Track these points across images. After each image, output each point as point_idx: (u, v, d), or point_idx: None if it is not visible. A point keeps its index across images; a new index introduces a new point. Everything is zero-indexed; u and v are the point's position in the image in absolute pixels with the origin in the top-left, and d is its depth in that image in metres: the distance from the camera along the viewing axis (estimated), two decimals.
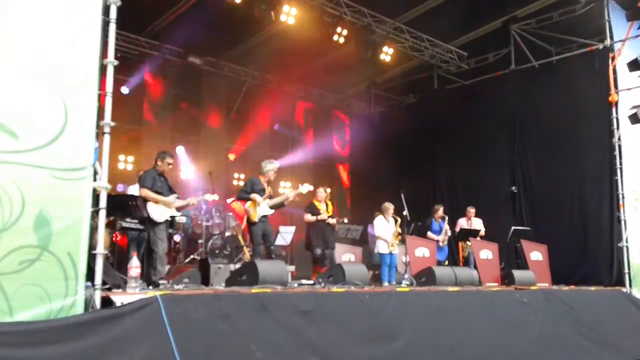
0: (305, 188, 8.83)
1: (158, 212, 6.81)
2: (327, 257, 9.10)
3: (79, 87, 4.55)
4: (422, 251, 9.43)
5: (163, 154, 7.17)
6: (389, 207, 9.76)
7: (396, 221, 9.61)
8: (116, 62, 4.92)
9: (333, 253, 9.70)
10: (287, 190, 14.17)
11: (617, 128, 10.30)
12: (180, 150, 13.25)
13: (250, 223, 8.16)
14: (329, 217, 9.23)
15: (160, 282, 6.57)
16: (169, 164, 7.13)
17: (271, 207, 8.32)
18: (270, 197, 8.39)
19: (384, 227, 9.63)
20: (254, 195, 8.11)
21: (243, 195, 8.25)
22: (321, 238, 9.13)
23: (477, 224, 11.06)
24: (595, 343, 7.98)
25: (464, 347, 6.54)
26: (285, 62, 13.28)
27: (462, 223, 11.11)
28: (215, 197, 8.12)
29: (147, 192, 6.81)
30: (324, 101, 16.52)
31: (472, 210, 11.15)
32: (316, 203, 9.28)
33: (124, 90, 12.20)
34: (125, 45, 12.21)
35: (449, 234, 10.77)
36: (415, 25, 12.58)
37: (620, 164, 10.19)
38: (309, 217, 9.18)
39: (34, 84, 4.34)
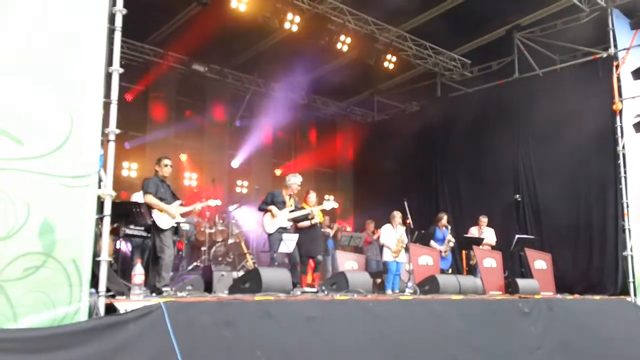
0: (329, 205, 8.96)
1: (164, 218, 6.81)
2: (319, 262, 9.01)
3: (84, 95, 4.55)
4: (426, 259, 9.38)
5: (159, 159, 7.20)
6: (396, 215, 9.79)
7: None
8: (121, 70, 4.93)
9: (329, 260, 9.66)
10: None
11: (621, 136, 10.31)
12: (183, 157, 13.27)
13: (268, 233, 8.32)
14: (318, 221, 9.11)
15: (164, 289, 6.57)
16: (166, 165, 7.12)
17: (291, 220, 8.43)
18: (296, 209, 8.50)
19: (390, 235, 9.64)
20: (271, 207, 8.32)
21: (262, 206, 8.49)
22: (313, 244, 8.90)
23: (489, 233, 10.95)
24: (599, 353, 7.94)
25: (466, 355, 6.52)
26: (289, 70, 13.31)
27: (473, 232, 11.06)
28: (218, 202, 8.18)
29: (151, 199, 6.81)
30: (327, 109, 16.54)
31: (484, 220, 11.05)
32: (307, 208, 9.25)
33: (128, 97, 12.21)
34: (130, 52, 12.26)
35: (452, 244, 10.71)
36: (418, 33, 12.61)
37: (625, 172, 10.18)
38: (303, 222, 8.82)
39: (38, 91, 4.33)
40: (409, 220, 9.76)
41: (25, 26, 4.36)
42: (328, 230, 11.42)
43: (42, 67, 4.39)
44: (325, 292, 7.13)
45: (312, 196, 9.16)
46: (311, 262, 9.09)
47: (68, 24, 4.56)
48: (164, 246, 6.76)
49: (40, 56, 4.39)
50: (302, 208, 8.87)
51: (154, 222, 6.76)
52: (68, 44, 4.54)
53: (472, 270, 10.66)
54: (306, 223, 8.77)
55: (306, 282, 8.76)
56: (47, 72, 4.40)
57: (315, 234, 8.98)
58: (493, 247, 10.63)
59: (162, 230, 6.80)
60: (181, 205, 7.19)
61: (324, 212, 9.00)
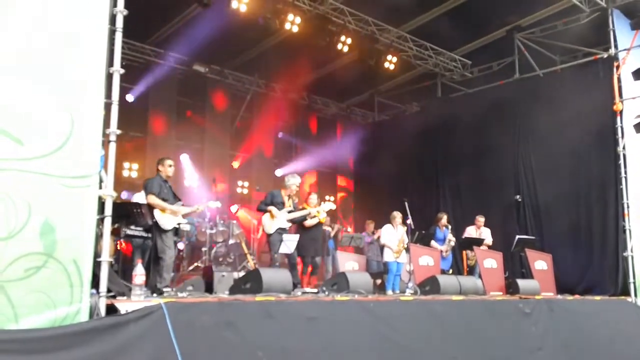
0: (328, 206, 8.97)
1: (166, 219, 6.80)
2: (317, 265, 9.01)
3: (84, 95, 4.55)
4: (426, 260, 9.39)
5: (162, 159, 7.18)
6: (397, 215, 9.81)
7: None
8: (122, 71, 4.94)
9: (329, 260, 9.65)
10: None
11: (622, 137, 10.31)
12: (184, 157, 13.28)
13: (267, 234, 8.30)
14: (320, 222, 9.11)
15: (165, 289, 6.57)
16: (170, 165, 7.11)
17: (290, 221, 8.43)
18: (293, 210, 8.49)
19: (391, 236, 9.65)
20: (271, 208, 8.32)
21: (262, 207, 8.48)
22: (313, 244, 8.88)
23: (486, 233, 10.96)
24: (600, 353, 7.94)
25: (466, 356, 6.52)
26: (290, 71, 13.33)
27: (471, 232, 11.05)
28: (218, 204, 8.19)
29: (154, 199, 6.78)
30: (327, 109, 16.55)
31: (481, 220, 11.05)
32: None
33: (129, 98, 12.24)
34: (131, 53, 12.27)
35: (452, 244, 10.71)
36: (419, 33, 12.61)
37: (625, 172, 10.18)
38: (304, 223, 8.84)
39: (38, 91, 4.33)
40: (410, 221, 9.77)
41: (25, 26, 4.36)
42: (328, 228, 11.42)
43: (42, 67, 4.39)
44: (326, 293, 7.13)
45: (314, 197, 9.17)
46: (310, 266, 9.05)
47: (68, 24, 4.56)
48: (165, 247, 6.76)
49: (40, 56, 4.39)
50: (303, 208, 8.88)
51: (156, 222, 6.75)
52: (68, 44, 4.54)
53: (470, 270, 10.69)
54: (313, 221, 8.75)
55: (307, 283, 8.76)
56: (47, 72, 4.40)
57: (316, 235, 8.97)
58: (489, 247, 10.64)
59: (164, 231, 6.79)
60: (182, 206, 7.19)
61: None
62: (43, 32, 4.43)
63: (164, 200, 6.87)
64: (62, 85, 4.46)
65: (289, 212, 8.44)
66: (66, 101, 4.44)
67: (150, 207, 6.81)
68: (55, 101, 4.40)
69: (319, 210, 8.79)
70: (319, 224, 8.92)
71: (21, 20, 4.36)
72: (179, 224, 7.09)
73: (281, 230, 8.27)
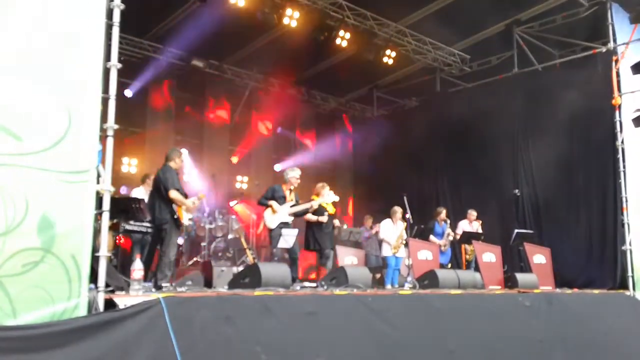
0: (330, 198, 8.90)
1: (184, 215, 6.78)
2: (328, 257, 9.02)
3: (82, 90, 4.54)
4: (425, 254, 9.41)
5: (176, 150, 7.14)
6: (397, 210, 9.82)
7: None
8: (120, 65, 4.92)
9: (332, 253, 9.65)
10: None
11: (621, 131, 10.30)
12: (183, 153, 13.26)
13: (269, 229, 8.29)
14: (330, 215, 9.10)
15: (164, 284, 6.58)
16: (182, 161, 7.10)
17: (292, 215, 8.40)
18: (296, 204, 8.48)
19: (390, 230, 9.66)
20: (272, 202, 8.28)
21: (263, 201, 8.44)
22: (321, 237, 8.91)
23: (476, 226, 11.02)
24: (598, 346, 7.96)
25: (464, 350, 6.54)
26: (288, 65, 13.31)
27: (464, 226, 11.08)
28: (203, 195, 8.18)
29: (177, 195, 6.73)
30: (326, 104, 16.54)
31: (473, 213, 11.11)
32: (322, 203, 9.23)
33: (128, 93, 12.22)
34: (129, 48, 12.24)
35: (451, 238, 10.74)
36: (418, 28, 12.58)
37: (624, 167, 10.18)
38: (310, 217, 8.79)
39: (38, 91, 4.33)
40: (409, 215, 9.78)
41: (25, 26, 4.36)
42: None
43: (42, 67, 4.39)
44: (325, 287, 7.14)
45: (326, 190, 9.18)
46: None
47: (68, 24, 4.55)
48: (171, 243, 6.75)
49: (40, 56, 4.38)
50: (311, 200, 8.83)
51: (177, 218, 6.72)
52: (68, 44, 4.53)
53: (468, 264, 10.72)
54: (323, 218, 8.72)
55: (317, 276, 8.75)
56: (47, 72, 4.40)
57: (328, 227, 8.94)
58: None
59: (178, 227, 6.78)
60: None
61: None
62: (43, 32, 4.43)
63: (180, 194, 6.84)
64: (62, 85, 4.46)
65: (292, 206, 8.42)
66: (66, 101, 4.43)
67: (168, 203, 6.72)
68: (55, 101, 4.39)
69: (327, 202, 8.78)
70: (329, 215, 8.92)
71: (21, 20, 4.35)
72: (190, 219, 7.09)
73: (283, 225, 8.25)
